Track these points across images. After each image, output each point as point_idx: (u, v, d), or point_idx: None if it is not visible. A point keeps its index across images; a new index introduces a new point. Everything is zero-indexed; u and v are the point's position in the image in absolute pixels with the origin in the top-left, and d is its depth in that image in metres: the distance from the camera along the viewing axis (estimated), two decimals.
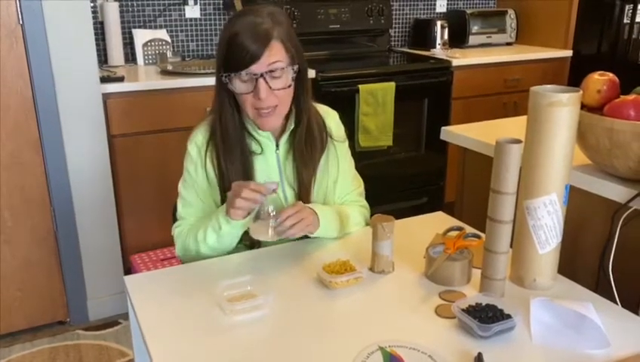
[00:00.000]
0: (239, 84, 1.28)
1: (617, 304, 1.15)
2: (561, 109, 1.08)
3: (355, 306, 1.12)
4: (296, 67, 1.30)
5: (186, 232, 1.38)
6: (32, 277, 2.34)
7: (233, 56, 1.25)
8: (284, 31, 1.28)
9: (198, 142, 1.38)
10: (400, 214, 1.54)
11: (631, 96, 1.25)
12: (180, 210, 1.42)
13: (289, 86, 1.30)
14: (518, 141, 1.07)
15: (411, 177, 3.19)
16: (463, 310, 1.04)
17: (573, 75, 3.48)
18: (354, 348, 0.98)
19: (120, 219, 2.50)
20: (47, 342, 2.34)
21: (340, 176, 1.47)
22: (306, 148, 1.39)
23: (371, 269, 1.24)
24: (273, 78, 1.26)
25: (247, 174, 1.36)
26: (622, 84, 1.34)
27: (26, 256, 2.31)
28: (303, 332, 1.04)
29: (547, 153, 1.11)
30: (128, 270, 2.52)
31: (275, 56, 1.26)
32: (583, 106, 1.30)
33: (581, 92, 1.11)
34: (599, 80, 1.31)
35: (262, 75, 1.25)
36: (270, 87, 1.26)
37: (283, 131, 1.39)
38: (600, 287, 1.25)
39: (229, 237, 1.31)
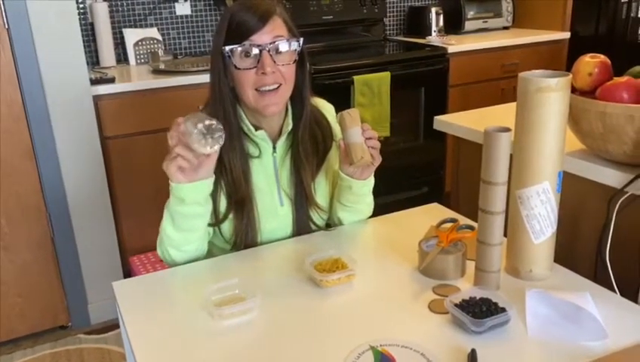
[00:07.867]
0: (241, 60, 1.22)
1: (616, 292, 1.12)
2: (550, 95, 1.05)
3: (346, 305, 1.10)
4: (301, 41, 1.26)
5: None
6: (31, 282, 2.33)
7: (235, 30, 1.22)
8: (285, 12, 1.26)
9: None
10: (400, 205, 1.51)
11: (623, 78, 1.22)
12: None
13: (294, 62, 1.26)
14: (507, 129, 1.04)
15: (411, 168, 3.15)
16: (455, 305, 1.02)
17: (572, 57, 3.43)
18: (345, 349, 0.96)
19: (117, 221, 2.48)
20: (48, 348, 2.33)
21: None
22: (305, 151, 1.32)
23: (352, 164, 1.25)
24: (277, 53, 1.23)
25: (246, 178, 1.29)
26: (621, 65, 1.30)
27: (24, 261, 2.30)
28: (293, 335, 1.01)
29: (538, 141, 1.08)
30: (128, 272, 2.50)
31: (279, 31, 1.23)
32: (575, 90, 1.27)
33: (571, 76, 1.08)
34: (590, 62, 1.28)
35: (267, 48, 1.21)
36: (274, 62, 1.22)
37: (280, 132, 1.33)
38: (598, 275, 1.22)
39: (183, 216, 1.20)
